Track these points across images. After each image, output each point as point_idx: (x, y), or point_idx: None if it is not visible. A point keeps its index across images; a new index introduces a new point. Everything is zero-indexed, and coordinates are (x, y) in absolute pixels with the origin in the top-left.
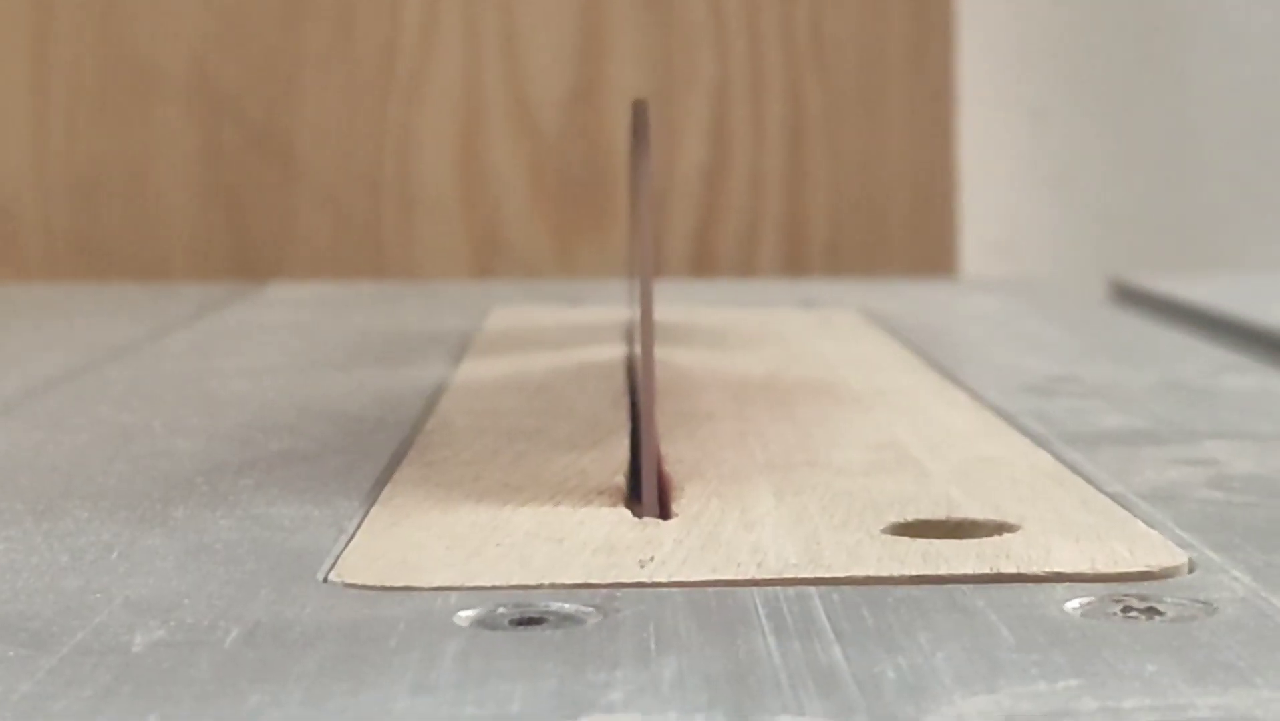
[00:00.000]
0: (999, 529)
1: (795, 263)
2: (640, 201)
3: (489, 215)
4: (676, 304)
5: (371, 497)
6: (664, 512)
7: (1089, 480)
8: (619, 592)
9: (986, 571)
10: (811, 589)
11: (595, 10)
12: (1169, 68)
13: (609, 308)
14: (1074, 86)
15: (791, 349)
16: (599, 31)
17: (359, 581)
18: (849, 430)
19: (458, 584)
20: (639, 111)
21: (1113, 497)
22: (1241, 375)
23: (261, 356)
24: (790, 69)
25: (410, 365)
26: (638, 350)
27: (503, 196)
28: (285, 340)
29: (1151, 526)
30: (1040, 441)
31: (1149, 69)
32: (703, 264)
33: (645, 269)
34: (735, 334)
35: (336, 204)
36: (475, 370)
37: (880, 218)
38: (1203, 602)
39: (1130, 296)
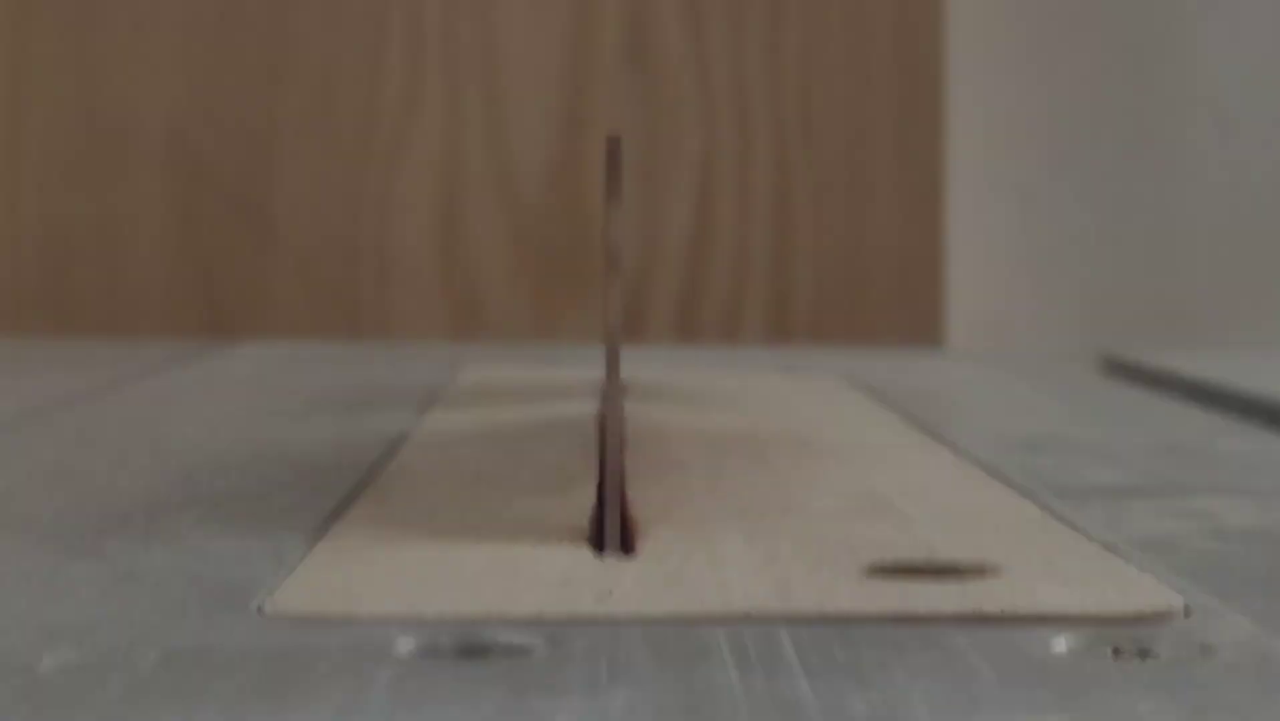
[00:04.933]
0: (983, 571)
1: (780, 333)
2: (610, 234)
3: (468, 285)
4: (656, 367)
5: (319, 534)
6: (627, 552)
7: (1078, 530)
8: (572, 626)
9: (969, 611)
10: (780, 626)
11: (579, 81)
12: (1156, 148)
13: (584, 369)
14: (1061, 165)
15: (769, 407)
16: (582, 102)
17: (294, 610)
18: (826, 480)
19: (400, 613)
20: (612, 148)
21: (1104, 546)
22: (1237, 438)
23: (219, 407)
24: (777, 141)
25: (374, 416)
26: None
27: (482, 266)
28: (246, 392)
29: (1144, 573)
30: (1027, 493)
31: (1137, 149)
32: (687, 332)
33: (614, 300)
34: (713, 393)
35: (313, 270)
36: (442, 421)
37: (866, 291)
38: (1200, 645)
39: (1121, 370)
